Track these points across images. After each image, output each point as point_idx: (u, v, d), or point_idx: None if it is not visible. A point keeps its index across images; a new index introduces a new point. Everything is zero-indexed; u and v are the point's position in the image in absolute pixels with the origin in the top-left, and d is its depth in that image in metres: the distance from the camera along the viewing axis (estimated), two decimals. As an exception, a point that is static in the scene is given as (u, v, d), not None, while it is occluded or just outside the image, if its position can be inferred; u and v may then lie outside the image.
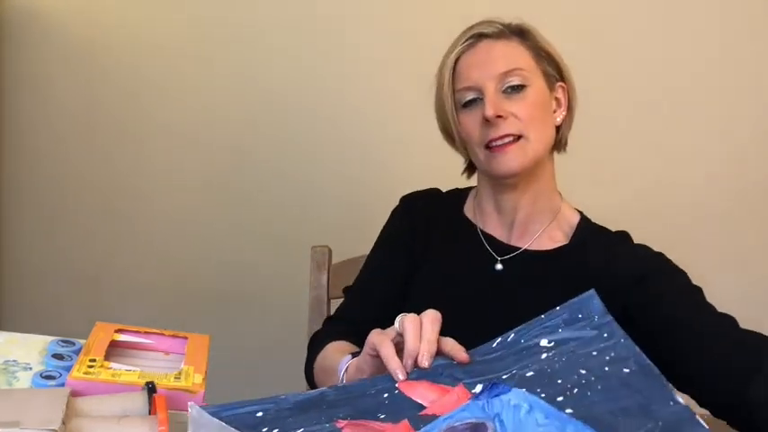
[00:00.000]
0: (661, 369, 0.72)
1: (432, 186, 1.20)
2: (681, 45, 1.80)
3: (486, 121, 1.02)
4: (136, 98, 1.81)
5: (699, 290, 1.02)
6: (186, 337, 0.95)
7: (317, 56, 1.79)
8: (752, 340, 0.88)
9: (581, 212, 1.15)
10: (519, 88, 1.03)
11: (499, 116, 1.02)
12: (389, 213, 1.21)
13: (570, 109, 1.09)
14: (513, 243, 1.11)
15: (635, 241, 1.12)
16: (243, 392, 1.69)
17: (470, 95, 1.05)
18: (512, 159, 1.03)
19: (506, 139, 1.02)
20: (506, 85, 1.03)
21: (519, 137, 1.03)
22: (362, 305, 1.12)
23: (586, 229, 1.12)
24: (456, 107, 1.07)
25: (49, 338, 0.91)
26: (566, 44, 1.79)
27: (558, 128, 1.08)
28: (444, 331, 0.86)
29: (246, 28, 1.80)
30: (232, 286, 1.75)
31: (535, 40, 1.07)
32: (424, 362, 0.75)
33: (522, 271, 1.08)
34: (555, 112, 1.08)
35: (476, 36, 1.06)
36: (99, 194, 1.83)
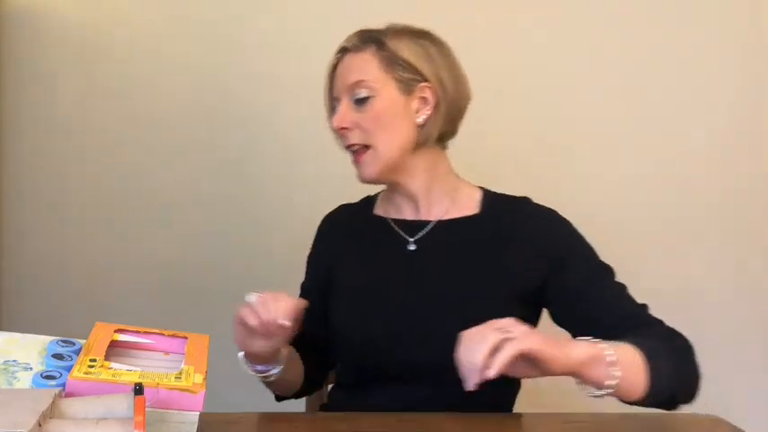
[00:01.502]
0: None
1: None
2: (679, 45, 1.80)
3: (337, 132, 1.14)
4: (137, 98, 1.81)
5: (608, 270, 1.14)
6: (186, 337, 0.95)
7: (318, 57, 1.79)
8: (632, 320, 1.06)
9: (483, 187, 1.21)
10: (365, 100, 1.11)
11: (344, 128, 1.12)
12: None
13: (439, 105, 1.13)
14: (424, 218, 1.18)
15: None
16: (243, 392, 1.68)
17: (335, 102, 1.16)
18: (365, 168, 1.13)
19: (355, 147, 1.12)
20: (355, 96, 1.12)
21: (367, 146, 1.12)
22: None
23: (492, 198, 1.19)
24: (331, 111, 1.18)
25: (49, 338, 0.91)
26: (566, 44, 1.79)
27: (423, 125, 1.13)
28: (371, 316, 1.11)
29: (247, 28, 1.80)
30: (232, 286, 1.75)
31: (391, 49, 1.12)
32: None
33: (437, 244, 1.15)
34: (418, 111, 1.12)
35: (341, 50, 1.16)
36: (99, 194, 1.82)
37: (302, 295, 1.23)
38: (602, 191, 1.82)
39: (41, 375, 0.84)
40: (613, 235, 1.82)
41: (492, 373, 0.83)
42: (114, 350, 0.90)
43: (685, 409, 1.04)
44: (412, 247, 1.15)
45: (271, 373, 1.08)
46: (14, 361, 0.86)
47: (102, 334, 0.91)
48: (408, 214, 1.19)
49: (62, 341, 0.91)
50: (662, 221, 1.81)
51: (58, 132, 1.82)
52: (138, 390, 0.72)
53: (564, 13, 1.80)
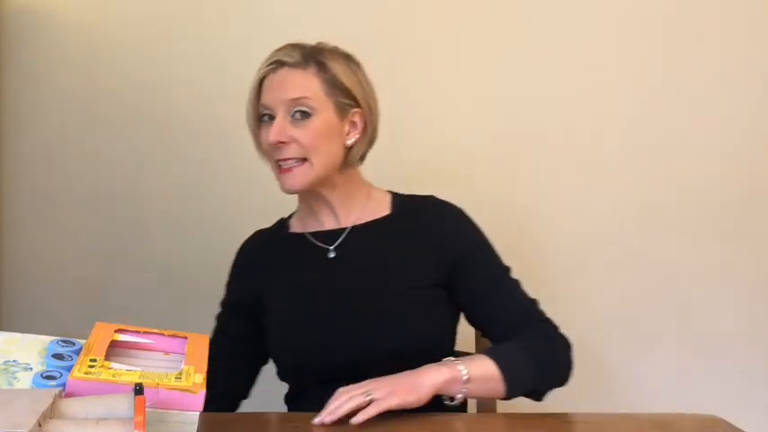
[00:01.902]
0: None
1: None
2: (680, 46, 1.81)
3: (272, 145, 1.15)
4: (136, 97, 1.81)
5: (506, 270, 1.24)
6: (186, 337, 0.95)
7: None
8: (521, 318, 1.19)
9: (392, 191, 1.28)
10: (305, 115, 1.15)
11: (282, 142, 1.14)
12: None
13: (366, 130, 1.21)
14: (342, 226, 1.23)
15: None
16: (243, 392, 1.66)
17: (266, 112, 1.17)
18: (295, 179, 1.16)
19: (290, 162, 1.15)
20: (294, 111, 1.15)
21: (304, 159, 1.16)
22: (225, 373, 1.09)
23: (401, 200, 1.26)
24: (257, 121, 1.20)
25: (49, 338, 0.91)
26: (565, 44, 1.79)
27: (351, 147, 1.20)
28: (302, 328, 1.17)
29: (248, 27, 1.80)
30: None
31: (332, 72, 1.17)
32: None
33: (355, 247, 1.21)
34: (348, 134, 1.19)
35: (277, 62, 1.17)
36: (99, 194, 1.82)
37: (222, 313, 1.29)
38: (603, 191, 1.82)
39: (41, 375, 0.84)
40: (614, 235, 1.82)
41: (356, 420, 0.96)
42: (114, 350, 0.90)
43: (686, 410, 1.04)
44: (332, 255, 1.21)
45: None
46: (14, 361, 0.86)
47: (102, 334, 0.91)
48: (327, 224, 1.24)
49: (62, 341, 0.91)
50: (662, 221, 1.81)
51: (58, 132, 1.82)
52: (139, 390, 0.72)
53: (564, 12, 1.80)
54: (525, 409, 1.15)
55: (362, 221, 1.23)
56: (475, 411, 1.32)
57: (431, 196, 1.26)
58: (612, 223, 1.81)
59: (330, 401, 0.99)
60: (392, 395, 0.99)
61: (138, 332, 0.94)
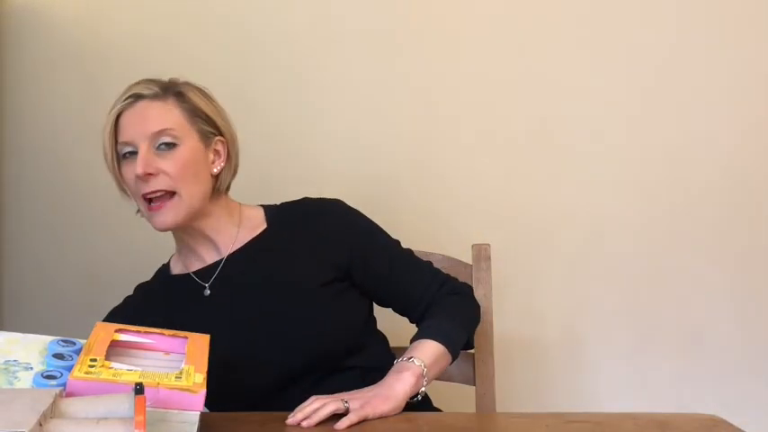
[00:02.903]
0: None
1: None
2: (679, 44, 1.81)
3: (139, 178, 1.12)
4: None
5: (396, 245, 1.25)
6: (186, 337, 0.95)
7: (320, 58, 1.79)
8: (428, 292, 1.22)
9: (262, 205, 1.27)
10: (170, 146, 1.13)
11: (149, 174, 1.11)
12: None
13: (230, 158, 1.21)
14: (223, 255, 1.21)
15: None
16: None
17: (128, 149, 1.14)
18: (166, 215, 1.13)
19: (158, 194, 1.12)
20: (159, 143, 1.13)
21: (173, 193, 1.13)
22: None
23: (275, 211, 1.25)
24: (117, 158, 1.17)
25: (50, 338, 0.91)
26: (565, 45, 1.80)
27: (217, 176, 1.19)
28: (215, 374, 0.94)
29: (248, 28, 1.80)
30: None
31: (192, 101, 1.17)
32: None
33: (234, 276, 1.18)
34: (213, 162, 1.19)
35: (134, 96, 1.15)
36: (99, 193, 1.82)
37: None
38: (602, 191, 1.82)
39: (42, 375, 0.84)
40: (613, 235, 1.82)
41: (340, 426, 0.96)
42: (115, 350, 0.90)
43: (686, 410, 1.04)
44: (207, 293, 1.18)
45: None
46: (15, 361, 0.86)
47: (102, 334, 0.91)
48: (209, 258, 1.21)
49: (62, 341, 0.91)
50: (661, 221, 1.81)
51: (58, 132, 1.82)
52: (139, 389, 0.72)
53: (563, 12, 1.80)
54: (525, 409, 1.15)
55: (238, 246, 1.20)
56: (474, 411, 1.32)
57: (305, 198, 1.25)
58: (612, 223, 1.81)
59: (304, 405, 0.99)
60: (369, 405, 1.00)
61: (138, 332, 0.94)
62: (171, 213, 1.13)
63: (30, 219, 1.83)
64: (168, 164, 1.12)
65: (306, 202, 1.25)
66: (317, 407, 0.98)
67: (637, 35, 1.80)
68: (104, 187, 1.85)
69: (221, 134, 1.20)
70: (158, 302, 1.21)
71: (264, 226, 1.23)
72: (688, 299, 1.81)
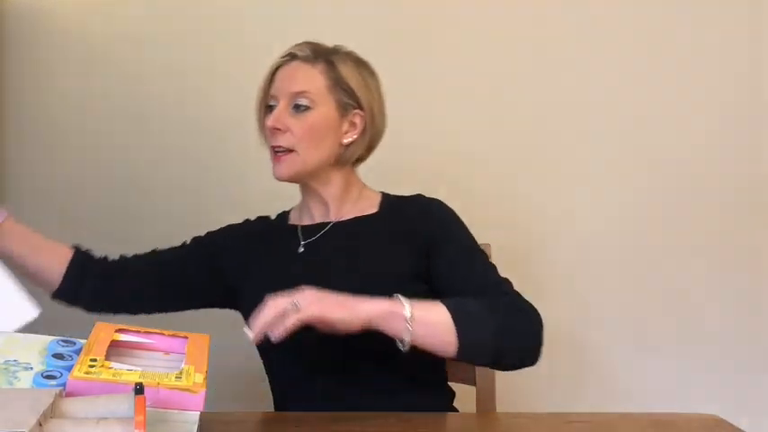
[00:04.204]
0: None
1: None
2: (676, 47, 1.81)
3: (269, 130, 1.19)
4: (137, 98, 1.81)
5: (478, 252, 1.20)
6: (186, 337, 0.95)
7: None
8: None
9: (383, 192, 1.30)
10: (304, 108, 1.19)
11: (277, 129, 1.18)
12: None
13: (365, 132, 1.24)
14: (332, 220, 1.25)
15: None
16: (243, 392, 1.68)
17: (272, 102, 1.22)
18: (281, 168, 1.20)
19: (281, 149, 1.19)
20: (295, 103, 1.19)
21: (291, 150, 1.19)
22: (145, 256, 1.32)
23: (390, 199, 1.28)
24: (265, 108, 1.24)
25: (50, 338, 0.91)
26: (567, 45, 1.80)
27: (347, 146, 1.23)
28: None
29: (247, 28, 1.80)
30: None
31: (339, 71, 1.21)
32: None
33: (330, 244, 1.23)
34: (346, 133, 1.22)
35: (291, 55, 1.23)
36: (100, 193, 1.83)
37: (184, 244, 1.34)
38: (603, 191, 1.82)
39: (42, 375, 0.84)
40: (614, 236, 1.82)
41: (275, 336, 0.95)
42: (115, 350, 0.90)
43: (686, 410, 1.04)
44: (301, 250, 1.23)
45: None
46: (15, 361, 0.86)
47: (102, 334, 0.91)
48: (318, 218, 1.27)
49: (62, 341, 0.91)
50: (661, 221, 1.81)
51: (59, 132, 1.82)
52: (139, 389, 0.72)
53: (561, 15, 1.81)
54: (525, 408, 1.15)
55: (345, 218, 1.25)
56: (474, 411, 1.32)
57: (418, 195, 1.28)
58: (612, 224, 1.81)
59: (259, 316, 0.97)
60: (315, 305, 0.96)
61: (138, 332, 0.94)
62: (285, 167, 1.19)
63: (30, 218, 1.83)
64: (297, 124, 1.18)
65: (417, 198, 1.27)
66: (272, 314, 0.96)
67: (637, 36, 1.81)
68: (104, 187, 1.86)
69: (361, 108, 1.23)
70: (261, 239, 1.29)
71: (376, 209, 1.26)
72: (688, 299, 1.81)
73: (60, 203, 1.83)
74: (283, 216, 1.35)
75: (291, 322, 0.95)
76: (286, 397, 1.21)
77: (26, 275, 1.19)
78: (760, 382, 1.82)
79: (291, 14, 1.80)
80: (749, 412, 1.66)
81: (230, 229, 1.35)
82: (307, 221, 1.28)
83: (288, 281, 1.08)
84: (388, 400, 1.08)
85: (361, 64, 1.25)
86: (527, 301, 1.11)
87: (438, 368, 1.23)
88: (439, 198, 1.26)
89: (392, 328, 0.99)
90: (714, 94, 1.81)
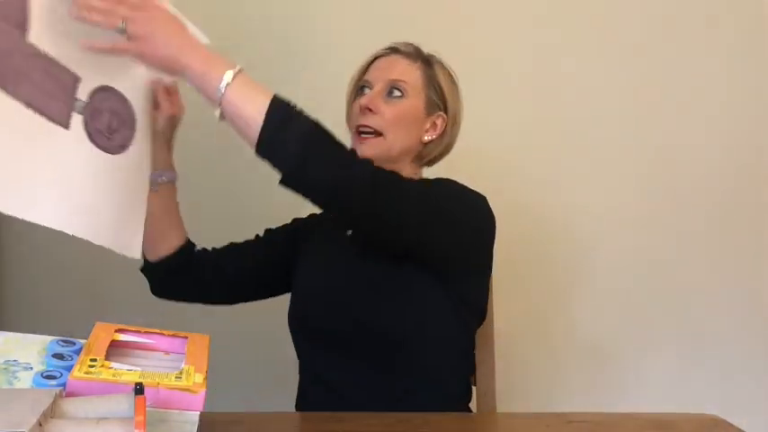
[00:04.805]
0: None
1: None
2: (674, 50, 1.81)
3: (361, 109, 1.23)
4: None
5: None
6: (186, 337, 0.96)
7: (320, 58, 1.79)
8: None
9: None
10: (397, 96, 1.23)
11: (369, 109, 1.22)
12: None
13: (444, 135, 1.28)
14: None
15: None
16: (243, 392, 1.68)
17: (366, 85, 1.27)
18: (367, 148, 1.21)
19: (368, 130, 1.22)
20: (391, 88, 1.24)
21: (379, 134, 1.22)
22: (233, 247, 1.35)
23: None
24: (356, 91, 1.29)
25: (49, 338, 0.91)
26: (563, 47, 1.80)
27: (425, 144, 1.27)
28: (315, 287, 1.22)
29: (247, 28, 1.80)
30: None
31: (434, 72, 1.27)
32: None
33: None
34: (427, 131, 1.27)
35: (392, 49, 1.29)
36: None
37: (261, 236, 1.37)
38: (603, 191, 1.82)
39: (42, 375, 0.84)
40: (614, 236, 1.82)
41: (97, 47, 0.97)
42: (115, 350, 0.90)
43: (686, 410, 1.04)
44: (349, 232, 1.26)
45: (162, 179, 1.21)
46: (15, 361, 0.86)
47: (102, 334, 0.91)
48: None
49: (62, 341, 0.91)
50: (662, 221, 1.81)
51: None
52: (139, 389, 0.72)
53: (564, 16, 1.81)
54: (525, 408, 1.15)
55: None
56: (474, 411, 1.32)
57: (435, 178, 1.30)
58: (613, 223, 1.81)
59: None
60: (141, 43, 0.97)
61: (138, 332, 0.95)
62: (370, 148, 1.21)
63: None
64: (389, 109, 1.22)
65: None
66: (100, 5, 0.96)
67: (638, 37, 1.81)
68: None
69: (446, 111, 1.28)
70: (318, 224, 1.34)
71: None
72: (688, 298, 1.81)
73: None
74: None
75: (112, 46, 0.97)
76: (309, 384, 1.24)
77: (148, 229, 1.16)
78: (760, 382, 1.82)
79: (303, 13, 1.80)
80: (749, 412, 1.66)
81: (295, 221, 1.40)
82: None
83: (335, 259, 1.20)
84: (411, 398, 1.12)
85: (452, 75, 1.31)
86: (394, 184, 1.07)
87: (462, 366, 1.25)
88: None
89: (204, 90, 0.98)
90: (717, 94, 1.81)
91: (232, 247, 1.36)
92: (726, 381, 1.81)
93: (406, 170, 1.26)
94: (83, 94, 1.01)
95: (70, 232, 0.97)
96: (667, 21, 1.81)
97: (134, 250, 1.10)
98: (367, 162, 1.05)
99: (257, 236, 1.38)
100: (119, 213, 1.05)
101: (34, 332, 0.93)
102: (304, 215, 1.39)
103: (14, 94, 0.91)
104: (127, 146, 1.08)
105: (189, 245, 1.32)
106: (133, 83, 1.10)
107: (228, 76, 0.97)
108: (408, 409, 1.05)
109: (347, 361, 1.16)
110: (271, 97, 0.98)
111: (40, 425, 0.67)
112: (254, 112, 0.97)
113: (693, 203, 1.81)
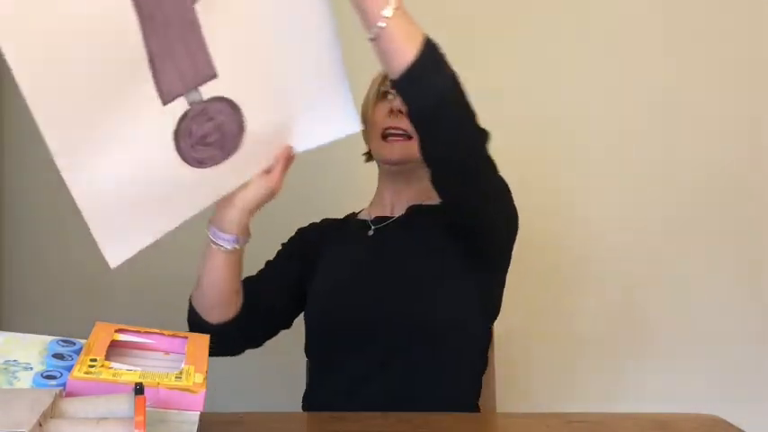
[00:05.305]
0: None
1: None
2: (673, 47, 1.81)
3: (392, 112, 1.24)
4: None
5: None
6: (186, 337, 0.95)
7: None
8: None
9: None
10: None
11: (401, 111, 1.20)
12: None
13: None
14: (397, 214, 1.31)
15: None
16: (243, 392, 1.69)
17: (389, 91, 1.26)
18: (396, 150, 1.25)
19: (399, 131, 1.24)
20: None
21: (409, 137, 1.23)
22: (260, 278, 1.31)
23: None
24: (377, 96, 1.28)
25: (49, 338, 0.91)
26: (569, 44, 1.80)
27: None
28: (343, 281, 1.24)
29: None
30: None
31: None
32: None
33: (395, 228, 1.28)
34: None
35: None
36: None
37: (272, 262, 1.35)
38: (603, 191, 1.82)
39: (42, 375, 0.84)
40: (614, 235, 1.82)
41: None
42: (115, 350, 0.90)
43: (686, 410, 1.04)
44: (371, 233, 1.29)
45: (233, 246, 1.15)
46: (15, 361, 0.86)
47: (102, 334, 0.91)
48: (389, 211, 1.32)
49: (62, 341, 0.91)
50: (663, 221, 1.81)
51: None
52: (139, 389, 0.72)
53: (567, 17, 1.81)
54: (525, 408, 1.15)
55: (423, 203, 1.29)
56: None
57: None
58: (613, 223, 1.81)
59: None
60: None
61: (138, 332, 0.94)
62: (401, 149, 1.25)
63: (30, 218, 1.84)
64: None
65: None
66: None
67: (638, 37, 1.81)
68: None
69: None
70: (335, 229, 1.36)
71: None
72: (688, 298, 1.81)
73: (60, 203, 1.82)
74: (350, 215, 1.41)
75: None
76: (319, 376, 1.26)
77: (212, 291, 1.19)
78: (760, 382, 1.82)
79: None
80: (749, 412, 1.66)
81: (301, 230, 1.40)
82: (379, 213, 1.33)
83: (356, 258, 1.21)
84: (427, 390, 1.14)
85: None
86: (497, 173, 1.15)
87: (479, 363, 1.26)
88: None
89: (367, 4, 0.94)
90: (718, 94, 1.81)
91: (265, 291, 1.29)
92: (726, 381, 1.81)
93: (426, 176, 1.24)
94: (206, 90, 0.94)
95: (79, 206, 0.94)
96: (668, 22, 1.81)
97: (115, 260, 1.07)
98: (484, 129, 1.10)
99: (270, 263, 1.35)
100: (134, 220, 1.03)
101: (34, 332, 0.93)
102: (303, 223, 1.39)
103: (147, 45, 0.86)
104: (204, 165, 0.99)
105: (243, 309, 1.26)
106: (263, 127, 1.00)
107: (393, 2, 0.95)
108: (426, 406, 1.08)
109: (372, 354, 1.17)
110: (424, 36, 0.98)
111: (40, 425, 0.67)
112: (411, 44, 0.97)
113: (694, 204, 1.81)
